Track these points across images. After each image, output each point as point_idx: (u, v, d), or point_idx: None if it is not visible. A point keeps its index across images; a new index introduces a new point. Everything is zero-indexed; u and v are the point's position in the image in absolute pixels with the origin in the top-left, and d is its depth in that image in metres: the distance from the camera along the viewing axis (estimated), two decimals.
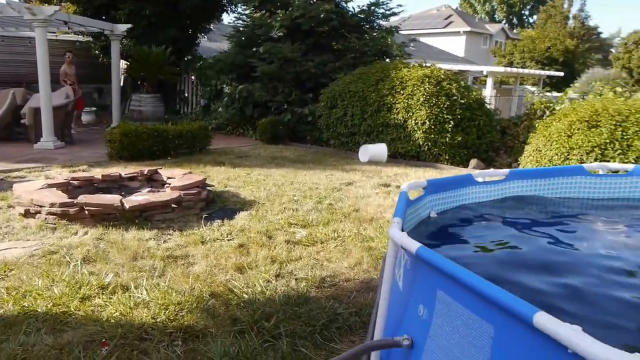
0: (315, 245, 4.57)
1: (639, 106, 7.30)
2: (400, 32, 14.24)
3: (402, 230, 2.26)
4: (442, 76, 9.31)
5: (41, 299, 3.25)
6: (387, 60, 11.76)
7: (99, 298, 3.31)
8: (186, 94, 16.08)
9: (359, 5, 12.73)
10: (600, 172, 4.55)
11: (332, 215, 5.52)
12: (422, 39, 32.86)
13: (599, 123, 7.28)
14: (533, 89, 24.70)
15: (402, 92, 9.31)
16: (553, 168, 5.17)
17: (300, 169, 8.27)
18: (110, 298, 3.32)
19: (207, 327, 3.02)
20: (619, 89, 9.13)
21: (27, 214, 5.01)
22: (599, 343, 1.25)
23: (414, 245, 2.05)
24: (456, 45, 36.86)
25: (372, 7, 12.63)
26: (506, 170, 4.17)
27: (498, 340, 1.66)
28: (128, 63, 14.68)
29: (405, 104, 9.21)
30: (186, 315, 3.14)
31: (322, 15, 11.54)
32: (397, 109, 9.32)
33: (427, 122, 8.95)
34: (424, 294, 2.08)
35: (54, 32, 14.03)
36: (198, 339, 2.90)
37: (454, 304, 1.84)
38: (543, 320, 1.40)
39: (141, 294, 3.38)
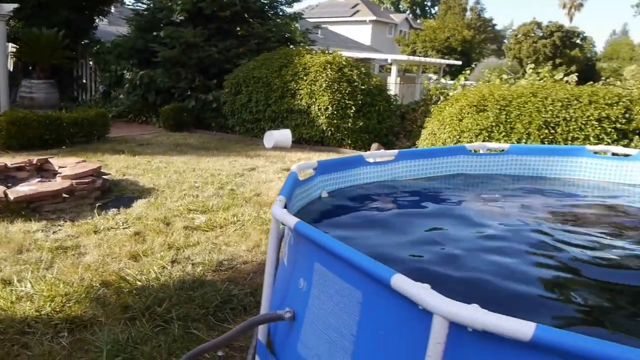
0: (214, 230, 4.57)
1: (521, 92, 7.86)
2: (306, 19, 14.35)
3: (285, 208, 2.33)
4: (344, 63, 9.51)
5: None
6: (291, 46, 11.79)
7: None
8: (84, 80, 15.28)
9: None
10: (481, 152, 4.88)
11: (233, 200, 5.52)
12: (330, 27, 33.24)
13: (486, 107, 7.76)
14: (434, 77, 25.81)
15: (305, 78, 9.41)
16: (438, 148, 5.47)
17: (204, 156, 8.17)
18: None
19: (96, 317, 2.95)
20: (504, 76, 9.76)
21: None
22: (442, 297, 1.37)
23: (292, 220, 2.12)
24: (362, 33, 37.61)
25: None
26: (395, 151, 4.35)
27: (366, 304, 1.76)
28: (17, 47, 13.72)
29: (309, 90, 9.32)
30: (74, 306, 3.04)
31: (224, 0, 11.36)
32: (300, 95, 9.42)
33: (330, 108, 9.12)
34: (303, 268, 2.16)
35: None
36: (86, 328, 2.83)
37: (328, 274, 1.92)
38: (399, 281, 1.51)
39: (25, 287, 3.23)
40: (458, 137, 7.81)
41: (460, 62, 24.75)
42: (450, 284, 2.27)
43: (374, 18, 38.85)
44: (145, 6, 12.77)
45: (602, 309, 2.12)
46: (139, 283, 3.39)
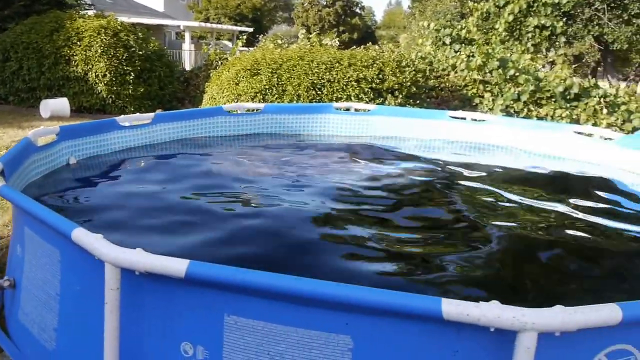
0: None
1: (290, 56, 8.49)
2: None
3: (2, 174, 2.32)
4: (119, 27, 9.33)
5: None
6: (66, 10, 11.00)
7: None
8: None
9: None
10: (238, 112, 5.28)
11: None
12: None
13: (259, 71, 8.26)
14: (229, 43, 25.93)
15: (79, 43, 9.06)
16: (195, 110, 5.77)
17: None
18: None
19: None
20: (278, 41, 10.35)
21: None
22: (111, 245, 1.53)
23: None
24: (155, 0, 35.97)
25: None
26: (152, 114, 4.50)
27: (63, 262, 1.86)
28: None
29: (84, 56, 9.00)
30: None
31: None
32: (75, 61, 9.04)
33: (108, 75, 8.94)
34: (18, 234, 2.23)
35: None
36: None
37: (35, 237, 2.02)
38: (78, 235, 1.65)
39: None
40: (236, 100, 8.18)
41: (252, 29, 25.23)
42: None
43: None
44: None
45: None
46: None
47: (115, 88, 9.08)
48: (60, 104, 8.93)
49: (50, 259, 1.98)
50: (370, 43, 11.49)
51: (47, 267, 1.99)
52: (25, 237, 2.16)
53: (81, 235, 1.70)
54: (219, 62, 10.12)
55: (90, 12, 11.16)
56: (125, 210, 2.74)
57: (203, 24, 25.92)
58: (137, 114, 4.71)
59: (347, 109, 6.04)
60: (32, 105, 9.53)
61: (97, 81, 9.05)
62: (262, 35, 26.38)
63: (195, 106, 9.73)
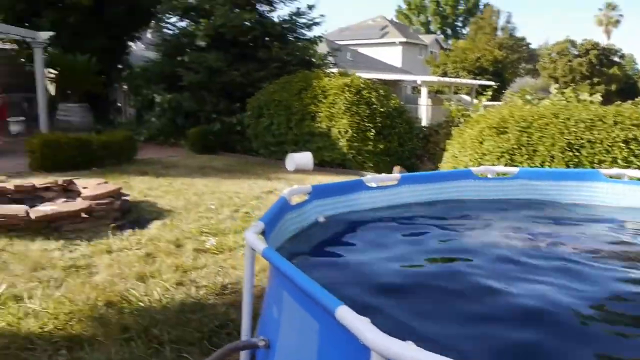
0: (223, 253, 4.65)
1: (542, 113, 7.76)
2: (335, 42, 14.55)
3: (264, 234, 2.37)
4: (362, 85, 9.60)
5: None
6: (313, 70, 11.96)
7: None
8: (119, 104, 15.84)
9: (279, 16, 13.18)
10: (489, 176, 4.84)
11: (246, 223, 5.60)
12: (361, 50, 33.48)
13: (506, 129, 7.68)
14: (467, 97, 25.63)
15: (324, 101, 9.55)
16: (443, 172, 5.45)
17: (226, 178, 8.32)
18: (0, 309, 3.29)
19: (96, 336, 3.05)
20: (528, 97, 9.65)
21: None
22: (379, 333, 1.36)
23: (261, 246, 2.15)
24: (393, 55, 37.73)
25: (294, 17, 12.86)
26: (398, 175, 4.34)
27: (322, 335, 1.76)
28: (55, 72, 14.34)
29: (328, 113, 9.44)
30: (75, 325, 3.16)
31: (244, 25, 11.65)
32: (320, 117, 9.54)
33: (350, 131, 9.20)
34: (275, 296, 2.18)
35: None
36: (84, 347, 2.92)
37: (293, 303, 1.94)
38: (343, 313, 1.50)
39: (33, 304, 3.36)
40: (479, 160, 7.73)
41: (493, 83, 24.52)
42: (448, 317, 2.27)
43: (403, 40, 38.97)
44: (171, 32, 13.20)
45: None
46: (141, 304, 3.49)
47: (356, 144, 9.33)
48: (304, 158, 9.55)
49: (308, 328, 1.86)
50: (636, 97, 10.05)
51: (304, 336, 1.88)
52: (283, 301, 2.10)
53: (346, 315, 1.53)
54: (461, 119, 9.85)
55: (334, 70, 11.91)
56: (377, 282, 2.54)
57: (441, 78, 26.06)
58: (384, 174, 4.58)
59: (617, 177, 5.17)
60: (279, 158, 10.30)
61: (340, 137, 9.41)
62: (505, 89, 25.50)
63: (434, 164, 9.54)
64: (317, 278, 2.10)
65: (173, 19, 13.39)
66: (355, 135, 9.22)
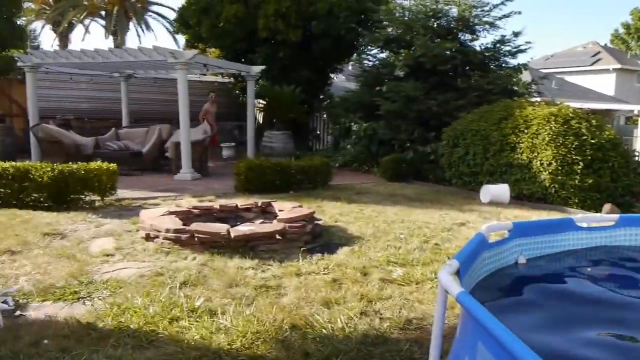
0: (410, 285, 4.44)
1: None
2: (539, 70, 13.66)
3: (457, 273, 2.13)
4: (571, 114, 8.68)
5: (136, 316, 3.52)
6: (515, 98, 11.23)
7: (186, 320, 3.50)
8: (318, 132, 16.72)
9: (482, 44, 12.66)
10: None
11: (435, 255, 5.33)
12: (567, 78, 31.01)
13: None
14: None
15: (526, 131, 8.83)
16: None
17: (416, 207, 8.12)
18: (196, 321, 3.49)
19: (279, 358, 3.05)
20: None
21: (147, 237, 5.49)
22: None
23: (456, 290, 1.92)
24: (605, 83, 34.19)
25: (498, 45, 12.30)
26: (616, 216, 3.76)
27: None
28: (263, 102, 15.69)
29: (530, 144, 8.70)
30: (261, 345, 3.20)
31: (444, 54, 11.44)
32: (521, 148, 8.84)
33: (554, 163, 8.35)
34: (468, 344, 1.95)
35: (197, 74, 15.42)
36: None
37: (489, 357, 1.69)
38: None
39: (225, 320, 3.51)
40: None
41: None
42: None
43: (618, 66, 35.10)
44: (371, 63, 13.55)
45: None
46: (324, 331, 3.43)
47: (560, 177, 8.41)
48: (501, 190, 8.90)
49: None
50: None
51: None
52: (477, 352, 1.85)
53: None
54: None
55: (538, 99, 11.03)
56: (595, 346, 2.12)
57: None
58: (599, 214, 3.99)
59: None
60: (472, 189, 9.77)
61: (542, 169, 8.59)
62: None
63: None
64: (510, 326, 1.82)
65: (374, 51, 13.79)
66: (559, 168, 8.34)
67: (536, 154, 8.62)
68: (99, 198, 7.63)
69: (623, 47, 46.19)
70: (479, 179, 9.58)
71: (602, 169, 8.32)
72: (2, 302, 3.70)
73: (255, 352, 3.11)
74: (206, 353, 3.06)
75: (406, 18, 12.76)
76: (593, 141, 8.31)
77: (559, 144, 8.37)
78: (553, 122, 8.53)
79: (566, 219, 3.57)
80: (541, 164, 8.54)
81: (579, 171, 8.23)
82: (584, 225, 3.62)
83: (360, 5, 14.46)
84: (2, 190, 7.08)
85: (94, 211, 7.08)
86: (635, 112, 19.07)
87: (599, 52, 37.03)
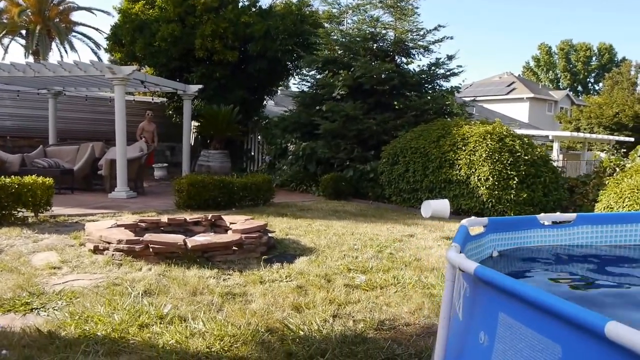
0: (374, 290, 4.49)
1: None
2: (461, 94, 14.35)
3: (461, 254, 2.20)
4: (505, 133, 9.20)
5: (101, 324, 3.33)
6: (449, 118, 11.77)
7: (157, 326, 3.35)
8: (252, 152, 16.65)
9: (418, 65, 13.35)
10: None
11: (392, 263, 5.43)
12: (485, 105, 32.76)
13: None
14: (603, 154, 23.89)
15: (464, 148, 9.24)
16: (631, 213, 4.92)
17: (362, 222, 8.25)
18: (167, 327, 3.35)
19: (262, 359, 2.99)
20: None
21: (96, 250, 5.23)
22: None
23: (471, 265, 1.96)
24: (519, 111, 36.53)
25: (433, 68, 12.86)
26: (573, 215, 4.03)
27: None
28: (199, 123, 15.45)
29: (468, 160, 9.10)
30: (241, 347, 3.12)
31: (383, 75, 11.82)
32: (459, 165, 9.22)
33: (491, 179, 8.78)
34: (484, 320, 1.99)
35: (132, 93, 15.02)
36: None
37: (516, 325, 1.74)
38: (616, 329, 1.29)
39: (197, 325, 3.40)
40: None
41: (632, 139, 22.74)
42: None
43: (531, 95, 37.68)
44: (309, 84, 13.76)
45: None
46: (302, 333, 3.40)
47: (496, 192, 8.86)
48: (442, 205, 9.20)
49: (542, 354, 1.64)
50: None
51: None
52: (498, 324, 1.88)
53: (622, 331, 1.30)
54: (615, 169, 9.08)
55: (473, 120, 11.61)
56: None
57: (575, 134, 24.62)
58: (558, 213, 4.28)
59: None
60: (412, 206, 10.06)
61: (479, 185, 9.02)
62: None
63: None
64: None
65: (312, 72, 13.98)
66: (496, 183, 8.78)
67: (474, 170, 9.02)
68: (32, 214, 7.20)
69: (534, 78, 49.58)
70: (419, 195, 9.88)
71: (534, 184, 8.83)
72: None
73: (237, 354, 3.03)
74: (185, 356, 2.94)
75: (343, 40, 13.09)
76: (526, 157, 8.82)
77: (495, 160, 8.81)
78: (489, 140, 8.99)
79: (531, 217, 3.79)
80: (479, 180, 8.94)
81: (514, 186, 8.69)
82: (546, 222, 3.86)
83: (297, 28, 14.67)
84: None
85: (29, 227, 6.66)
86: (550, 137, 20.44)
87: (513, 82, 39.54)
